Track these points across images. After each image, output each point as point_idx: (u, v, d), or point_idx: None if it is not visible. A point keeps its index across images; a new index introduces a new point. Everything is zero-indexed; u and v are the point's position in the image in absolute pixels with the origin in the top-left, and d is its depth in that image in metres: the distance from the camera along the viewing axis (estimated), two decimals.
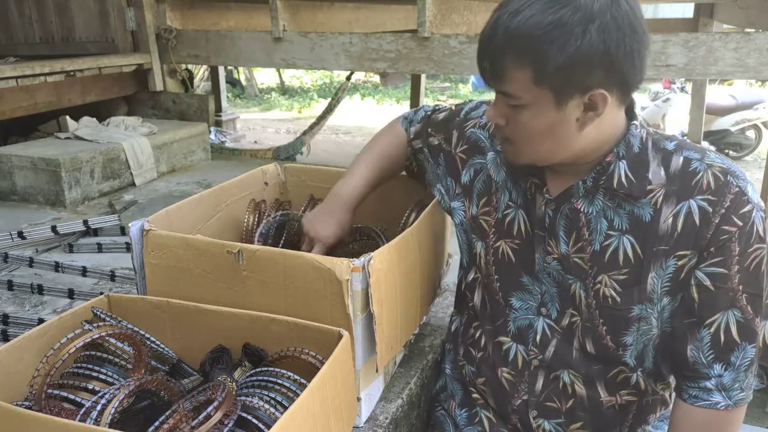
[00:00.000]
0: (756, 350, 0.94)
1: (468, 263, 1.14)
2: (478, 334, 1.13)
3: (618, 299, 0.96)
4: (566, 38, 0.82)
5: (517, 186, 1.05)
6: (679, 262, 0.93)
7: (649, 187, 0.93)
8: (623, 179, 0.94)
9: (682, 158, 0.94)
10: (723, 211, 0.89)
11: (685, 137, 6.08)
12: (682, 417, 0.99)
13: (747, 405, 0.99)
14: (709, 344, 0.94)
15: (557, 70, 0.84)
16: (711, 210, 0.90)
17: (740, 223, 0.89)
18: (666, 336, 1.00)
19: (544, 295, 1.03)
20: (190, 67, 3.80)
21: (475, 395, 1.16)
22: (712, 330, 0.93)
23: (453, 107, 1.23)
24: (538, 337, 1.04)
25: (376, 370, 1.07)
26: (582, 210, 0.98)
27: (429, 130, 1.22)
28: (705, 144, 5.87)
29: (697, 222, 0.91)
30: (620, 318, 0.98)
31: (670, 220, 0.92)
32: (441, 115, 1.23)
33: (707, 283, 0.92)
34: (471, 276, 1.13)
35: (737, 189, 0.90)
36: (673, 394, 1.12)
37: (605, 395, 1.04)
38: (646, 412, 1.07)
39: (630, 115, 0.97)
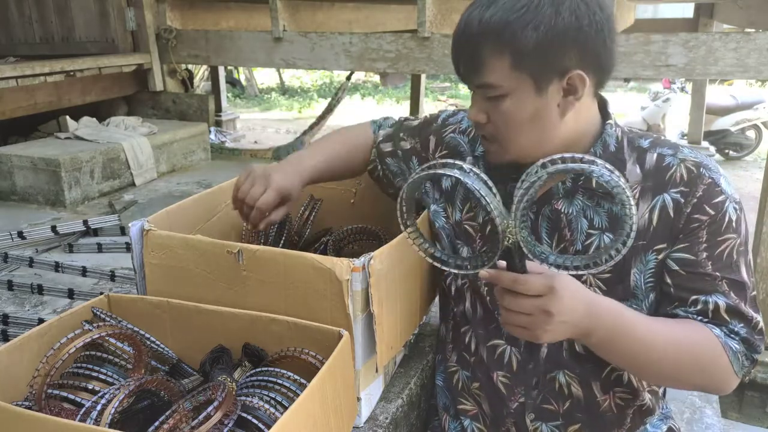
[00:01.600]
0: (747, 331, 0.91)
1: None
2: (468, 338, 1.11)
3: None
4: (539, 18, 0.86)
5: (500, 188, 1.04)
6: (659, 257, 0.94)
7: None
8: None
9: (656, 155, 0.96)
10: (695, 201, 0.92)
11: (685, 137, 6.10)
12: (692, 324, 0.92)
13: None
14: (697, 316, 0.92)
15: (533, 52, 0.87)
16: (683, 201, 0.92)
17: (712, 212, 0.91)
18: None
19: None
20: (190, 67, 3.80)
21: (463, 406, 1.13)
22: (699, 307, 0.92)
23: (428, 115, 1.23)
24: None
25: (376, 370, 1.07)
26: (563, 210, 0.98)
27: (401, 134, 1.23)
28: (705, 144, 5.88)
29: (672, 214, 0.93)
30: None
31: (647, 215, 0.94)
32: (415, 122, 1.24)
33: (676, 268, 0.93)
34: (460, 281, 1.11)
35: (710, 180, 0.92)
36: (663, 394, 1.12)
37: (600, 395, 1.03)
38: (643, 414, 1.07)
39: (604, 114, 0.99)
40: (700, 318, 0.92)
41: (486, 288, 1.06)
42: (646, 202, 0.95)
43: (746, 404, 2.58)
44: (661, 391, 1.11)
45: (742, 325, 0.92)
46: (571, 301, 0.80)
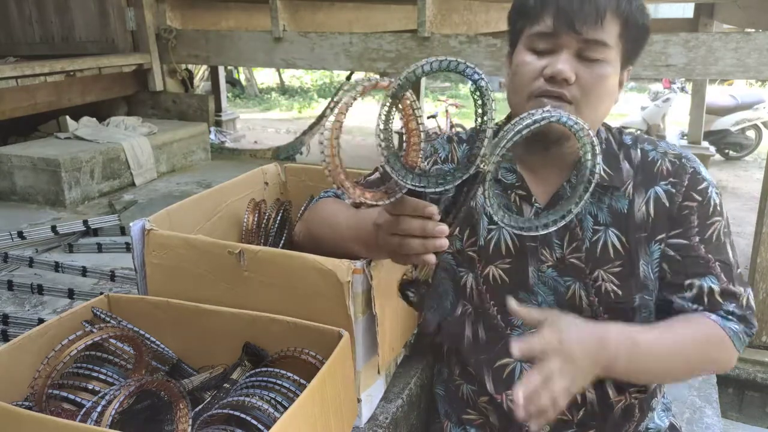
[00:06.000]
0: (740, 307, 0.97)
1: (454, 300, 1.08)
2: (472, 362, 1.08)
3: (620, 292, 0.98)
4: (646, 8, 0.93)
5: None
6: (662, 246, 0.99)
7: (623, 179, 1.00)
8: (603, 173, 0.99)
9: (639, 151, 1.02)
10: (683, 189, 0.98)
11: (685, 137, 6.10)
12: (695, 320, 0.96)
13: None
14: (692, 302, 0.98)
15: (634, 31, 0.92)
16: (674, 191, 0.98)
17: (699, 198, 0.98)
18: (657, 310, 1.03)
19: (542, 306, 1.02)
20: (190, 67, 3.80)
21: (469, 416, 1.12)
22: (695, 291, 0.97)
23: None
24: None
25: (378, 371, 1.07)
26: None
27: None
28: (705, 144, 5.88)
29: (667, 204, 0.98)
30: (624, 310, 0.99)
31: (643, 207, 0.99)
32: (375, 174, 1.15)
33: (671, 253, 0.98)
34: (459, 311, 1.08)
35: (692, 169, 0.99)
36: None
37: (614, 395, 1.03)
38: (649, 406, 1.08)
39: None
40: (696, 306, 0.97)
41: (495, 308, 1.04)
42: (640, 196, 0.99)
43: (746, 404, 2.58)
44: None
45: (734, 304, 0.97)
46: (580, 344, 0.82)
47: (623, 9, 0.89)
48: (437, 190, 0.76)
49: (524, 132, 0.75)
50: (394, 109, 0.74)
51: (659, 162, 1.00)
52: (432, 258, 0.78)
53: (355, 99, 0.73)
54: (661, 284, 1.00)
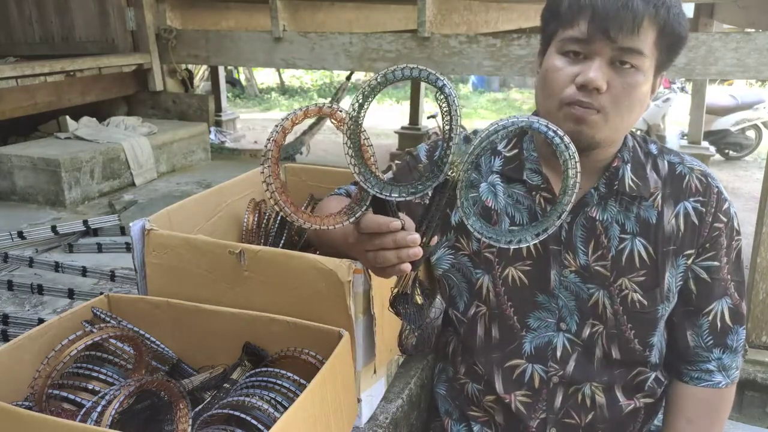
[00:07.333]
0: (745, 332, 1.05)
1: (468, 300, 1.08)
2: (482, 361, 1.08)
3: (645, 302, 0.99)
4: (685, 17, 0.91)
5: (519, 206, 1.02)
6: (688, 262, 1.00)
7: (651, 189, 0.99)
8: (631, 182, 0.98)
9: (666, 162, 1.01)
10: (713, 210, 0.99)
11: (685, 137, 6.10)
12: (683, 397, 1.06)
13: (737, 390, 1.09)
14: (707, 331, 1.03)
15: (670, 39, 0.90)
16: (704, 210, 0.98)
17: (725, 219, 0.99)
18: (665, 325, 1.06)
19: (562, 310, 1.02)
20: (190, 67, 3.80)
21: (474, 413, 1.12)
22: (710, 318, 1.02)
23: (395, 163, 1.13)
24: (558, 353, 1.02)
25: (374, 372, 1.07)
26: (597, 218, 0.99)
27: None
28: (705, 144, 5.88)
29: (696, 222, 0.99)
30: (649, 320, 1.01)
31: (673, 221, 0.98)
32: (388, 173, 1.13)
33: (704, 276, 1.01)
34: (472, 311, 1.08)
35: (717, 189, 1.00)
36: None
37: (623, 399, 1.04)
38: (654, 410, 1.10)
39: None
40: (709, 338, 1.03)
41: (513, 309, 1.03)
42: (670, 208, 0.99)
43: (746, 404, 2.58)
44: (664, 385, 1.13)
45: (741, 329, 1.04)
46: None
47: (661, 17, 0.87)
48: (408, 198, 0.75)
49: (492, 137, 0.74)
50: (362, 114, 0.73)
51: (687, 177, 1.00)
52: (408, 267, 0.77)
53: (294, 123, 0.73)
54: (682, 310, 1.03)
